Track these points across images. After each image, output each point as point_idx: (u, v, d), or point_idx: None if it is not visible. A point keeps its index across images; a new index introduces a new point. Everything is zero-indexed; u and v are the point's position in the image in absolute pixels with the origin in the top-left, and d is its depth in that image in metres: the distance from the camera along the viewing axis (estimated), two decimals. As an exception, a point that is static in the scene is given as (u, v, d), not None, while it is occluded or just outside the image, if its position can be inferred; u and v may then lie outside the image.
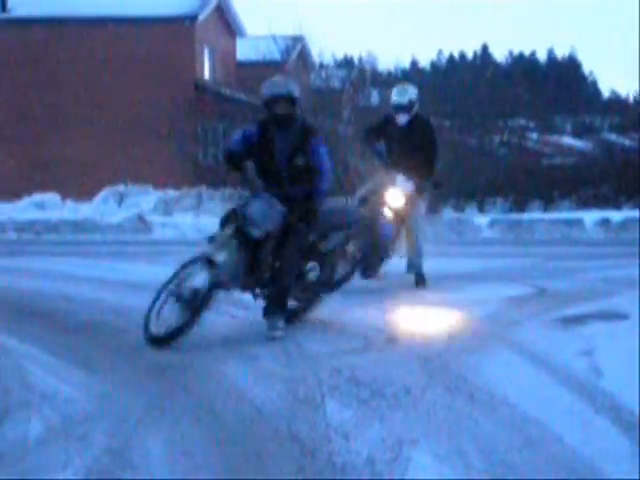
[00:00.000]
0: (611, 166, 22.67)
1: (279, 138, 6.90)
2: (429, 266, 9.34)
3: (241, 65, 30.98)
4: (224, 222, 6.71)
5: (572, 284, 9.58)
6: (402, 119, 9.05)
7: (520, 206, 21.88)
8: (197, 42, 27.71)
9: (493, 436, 4.42)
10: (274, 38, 27.32)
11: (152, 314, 6.36)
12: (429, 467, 4.07)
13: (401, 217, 9.08)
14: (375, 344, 6.46)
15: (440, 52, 77.57)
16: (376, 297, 8.48)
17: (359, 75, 27.42)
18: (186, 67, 27.16)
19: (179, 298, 6.35)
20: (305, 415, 4.78)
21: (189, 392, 5.27)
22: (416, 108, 9.11)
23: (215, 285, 6.43)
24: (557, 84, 63.09)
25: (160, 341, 6.27)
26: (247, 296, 7.05)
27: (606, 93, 70.22)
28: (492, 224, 17.53)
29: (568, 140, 40.56)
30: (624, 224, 16.82)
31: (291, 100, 6.79)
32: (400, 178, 8.93)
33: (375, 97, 25.35)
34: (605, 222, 17.16)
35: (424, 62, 78.70)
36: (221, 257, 6.44)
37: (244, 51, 31.24)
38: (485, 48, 75.68)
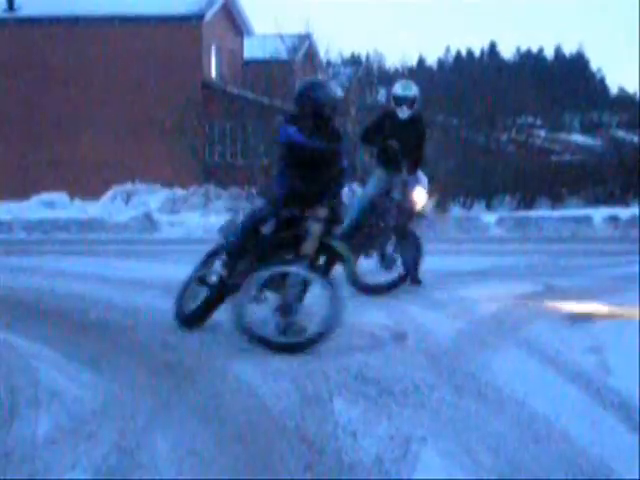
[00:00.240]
0: (619, 163, 22.59)
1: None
2: (437, 264, 9.33)
3: (248, 63, 30.96)
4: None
5: (580, 281, 9.57)
6: (404, 113, 9.01)
7: (528, 203, 21.83)
8: (204, 41, 27.73)
9: (501, 433, 4.42)
10: (281, 36, 27.25)
11: (182, 299, 6.88)
12: (437, 465, 4.07)
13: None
14: (383, 342, 6.47)
15: (447, 50, 77.63)
16: (383, 295, 8.48)
17: (366, 73, 27.38)
18: (193, 66, 27.19)
19: (205, 283, 6.81)
20: (313, 413, 4.78)
21: (197, 390, 5.28)
22: (417, 105, 9.13)
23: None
24: (565, 81, 62.91)
25: (190, 322, 6.80)
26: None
27: (614, 90, 70.17)
28: (500, 222, 17.49)
29: (576, 137, 40.41)
30: (632, 221, 16.78)
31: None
32: (421, 175, 8.95)
33: (382, 95, 25.30)
34: (613, 219, 17.12)
35: (431, 60, 78.61)
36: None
37: (251, 50, 31.26)
38: (492, 45, 75.69)
